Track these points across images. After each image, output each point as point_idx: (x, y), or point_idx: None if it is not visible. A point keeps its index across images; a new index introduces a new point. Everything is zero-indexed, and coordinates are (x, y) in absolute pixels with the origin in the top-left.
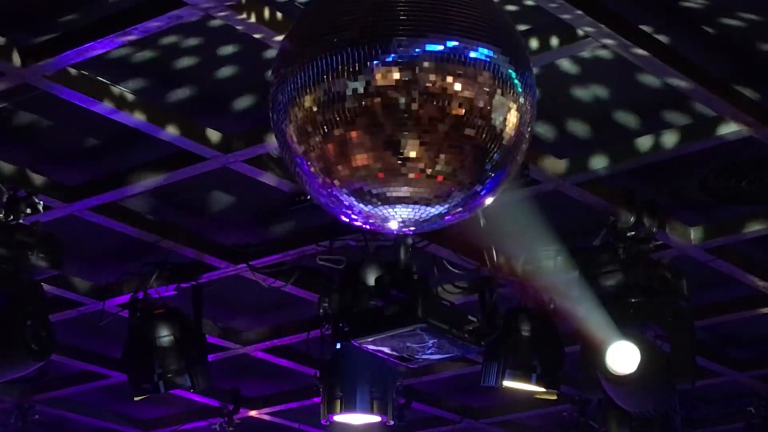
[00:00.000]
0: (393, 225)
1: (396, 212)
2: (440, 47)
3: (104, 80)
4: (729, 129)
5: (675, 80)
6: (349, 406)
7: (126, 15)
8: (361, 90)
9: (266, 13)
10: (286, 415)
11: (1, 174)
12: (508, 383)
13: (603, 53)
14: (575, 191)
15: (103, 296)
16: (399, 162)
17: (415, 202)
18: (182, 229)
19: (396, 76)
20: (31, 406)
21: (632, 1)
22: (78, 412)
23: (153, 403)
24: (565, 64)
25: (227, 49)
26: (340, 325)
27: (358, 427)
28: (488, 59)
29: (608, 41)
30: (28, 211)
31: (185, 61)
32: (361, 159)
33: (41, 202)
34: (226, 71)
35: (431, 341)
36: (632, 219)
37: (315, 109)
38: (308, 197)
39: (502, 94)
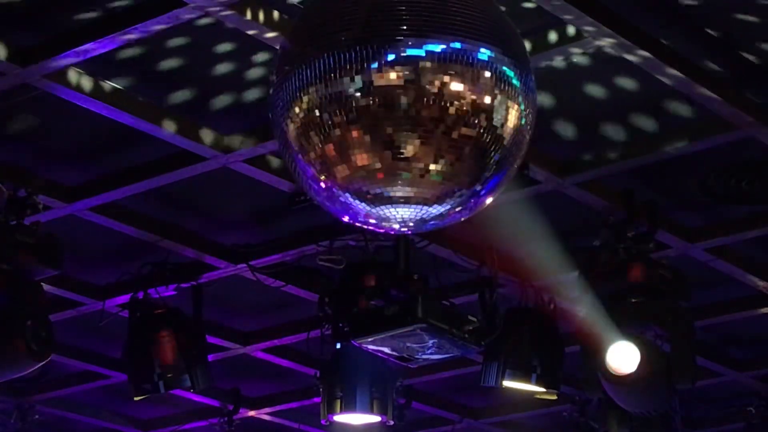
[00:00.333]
0: (393, 225)
1: (396, 212)
2: (440, 47)
3: (104, 80)
4: (729, 129)
5: (675, 80)
6: (349, 406)
7: (126, 15)
8: (361, 90)
9: (266, 12)
10: (286, 415)
11: (1, 174)
12: (508, 383)
13: (603, 53)
14: (575, 191)
15: (103, 296)
16: (399, 162)
17: (415, 202)
18: (182, 229)
19: (396, 76)
20: (31, 406)
21: (632, 1)
22: (78, 412)
23: (153, 403)
24: (566, 64)
25: (227, 49)
26: (340, 325)
27: (358, 427)
28: (488, 59)
29: (607, 41)
30: (28, 211)
31: (185, 61)
32: (361, 159)
33: (41, 202)
34: (226, 71)
35: (431, 341)
36: (632, 219)
37: (315, 109)
38: (308, 197)
39: (503, 94)
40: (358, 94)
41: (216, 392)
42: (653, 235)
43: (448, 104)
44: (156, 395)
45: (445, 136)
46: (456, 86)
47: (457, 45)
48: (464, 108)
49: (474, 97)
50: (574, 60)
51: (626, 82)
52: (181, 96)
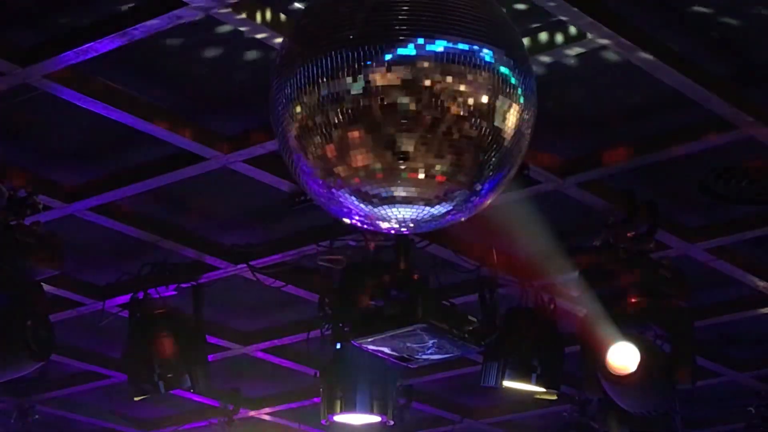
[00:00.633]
0: (393, 225)
1: (396, 212)
2: (440, 47)
3: (104, 80)
4: (729, 129)
5: (675, 80)
6: (349, 406)
7: (126, 15)
8: (361, 90)
9: (266, 13)
10: (286, 415)
11: (1, 174)
12: (508, 383)
13: (603, 53)
14: (575, 191)
15: (103, 296)
16: (399, 162)
17: (415, 202)
18: (182, 229)
19: (396, 76)
20: (31, 406)
21: (632, 2)
22: (78, 412)
23: (153, 403)
24: (566, 64)
25: (227, 49)
26: (340, 325)
27: (358, 427)
28: (488, 59)
29: (608, 41)
30: (28, 211)
31: (185, 61)
32: (361, 159)
33: (41, 202)
34: (226, 71)
35: (431, 341)
36: (632, 219)
37: (315, 109)
38: (308, 197)
39: (502, 95)
40: (359, 94)
41: (216, 392)
42: (653, 235)
43: (448, 104)
44: (156, 395)
45: (445, 136)
46: (456, 86)
47: (457, 45)
48: (464, 108)
49: (474, 97)
50: (575, 60)
51: (626, 82)
52: (181, 96)
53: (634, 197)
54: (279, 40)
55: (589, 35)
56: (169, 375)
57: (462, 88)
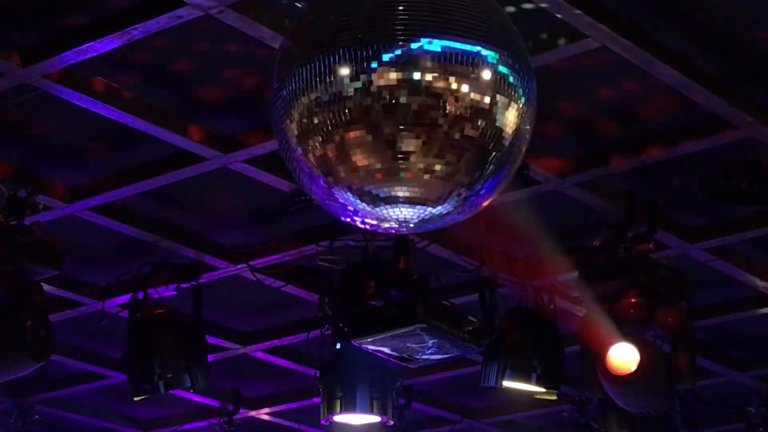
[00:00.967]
0: (393, 225)
1: (396, 212)
2: (440, 48)
3: (104, 80)
4: (729, 129)
5: (675, 80)
6: (349, 406)
7: (126, 15)
8: (361, 90)
9: (266, 13)
10: (286, 415)
11: (1, 174)
12: (508, 383)
13: (603, 53)
14: (575, 191)
15: (103, 296)
16: (399, 162)
17: (416, 202)
18: (182, 229)
19: (396, 76)
20: (31, 406)
21: (632, 2)
22: (78, 412)
23: (153, 403)
24: (566, 64)
25: (227, 49)
26: (340, 325)
27: (358, 427)
28: (489, 59)
29: (608, 41)
30: (28, 211)
31: (185, 61)
32: (361, 159)
33: (41, 202)
34: (226, 71)
35: (431, 341)
36: (632, 219)
37: (315, 109)
38: (308, 197)
39: (503, 94)
40: (359, 94)
41: (216, 392)
42: (653, 235)
43: (448, 104)
44: (156, 395)
45: (445, 136)
46: (456, 87)
47: (458, 45)
48: (464, 108)
49: (474, 97)
50: (575, 60)
51: (626, 82)
52: (181, 96)
53: (634, 197)
54: (279, 39)
55: (589, 35)
56: (169, 375)
57: (462, 88)
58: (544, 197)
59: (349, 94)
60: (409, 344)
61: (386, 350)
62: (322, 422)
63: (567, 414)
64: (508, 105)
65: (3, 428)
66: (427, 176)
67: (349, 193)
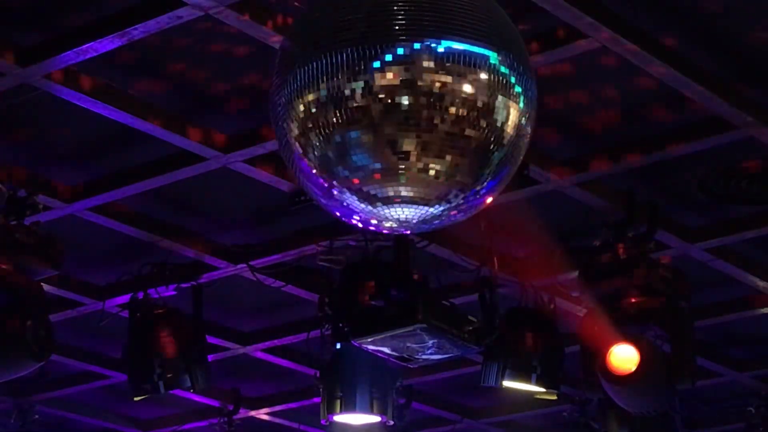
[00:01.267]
0: (393, 225)
1: (396, 212)
2: (440, 48)
3: (104, 80)
4: (729, 129)
5: (675, 80)
6: (349, 406)
7: (126, 15)
8: (361, 90)
9: (266, 12)
10: (286, 415)
11: (1, 174)
12: (508, 383)
13: (603, 53)
14: (575, 191)
15: (103, 296)
16: (399, 162)
17: (416, 202)
18: (182, 229)
19: (396, 76)
20: (31, 406)
21: (632, 2)
22: (78, 412)
23: (153, 403)
24: (566, 64)
25: (227, 49)
26: (340, 325)
27: (358, 427)
28: (488, 59)
29: (608, 41)
30: (28, 211)
31: (186, 61)
32: (360, 159)
33: (41, 203)
34: (225, 71)
35: (431, 341)
36: (632, 219)
37: (315, 109)
38: (308, 197)
39: (503, 95)
40: (359, 94)
41: (216, 392)
42: (653, 235)
43: (448, 104)
44: (156, 395)
45: (445, 136)
46: (456, 87)
47: (458, 45)
48: (464, 108)
49: (474, 97)
50: (575, 60)
51: (626, 82)
52: (181, 96)
53: (634, 197)
54: (279, 39)
55: (589, 35)
56: (169, 375)
57: (462, 88)
58: (544, 197)
59: (350, 94)
60: (409, 344)
61: (386, 350)
62: (322, 422)
63: (567, 414)
64: (508, 105)
65: (3, 428)
66: (427, 176)
67: (349, 193)
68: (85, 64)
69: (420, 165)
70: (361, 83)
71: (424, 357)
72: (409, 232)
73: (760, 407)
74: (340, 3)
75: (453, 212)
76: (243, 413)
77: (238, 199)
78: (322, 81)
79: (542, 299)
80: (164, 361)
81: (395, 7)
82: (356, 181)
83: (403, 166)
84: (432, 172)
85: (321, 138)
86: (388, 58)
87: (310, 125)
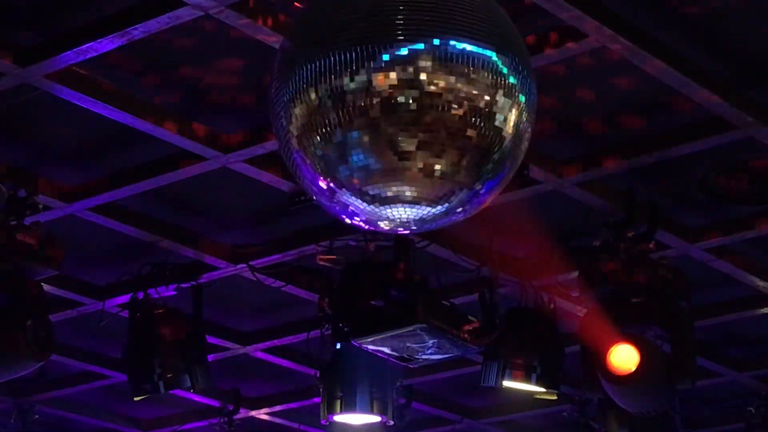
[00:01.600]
0: (393, 225)
1: (396, 212)
2: (440, 47)
3: (104, 80)
4: (729, 129)
5: (675, 80)
6: (349, 406)
7: (126, 15)
8: (360, 90)
9: (266, 12)
10: (286, 415)
11: (1, 174)
12: (508, 383)
13: (603, 53)
14: (575, 191)
15: (103, 296)
16: (399, 162)
17: (416, 203)
18: (182, 229)
19: (396, 76)
20: (31, 406)
21: (633, 2)
22: (78, 412)
23: (153, 403)
24: (567, 64)
25: (228, 49)
26: (340, 325)
27: (358, 427)
28: (488, 59)
29: (608, 41)
30: (28, 211)
31: (185, 61)
32: (361, 159)
33: (41, 203)
34: (226, 71)
35: (431, 341)
36: (632, 219)
37: (314, 109)
38: (308, 197)
39: (503, 94)
40: (359, 94)
41: (216, 392)
42: (653, 235)
43: (448, 104)
44: (156, 395)
45: (445, 136)
46: (456, 86)
47: (458, 45)
48: (464, 108)
49: (474, 97)
50: (575, 60)
51: (626, 83)
52: (180, 96)
53: (634, 197)
54: (279, 39)
55: (590, 35)
56: (169, 375)
57: (462, 87)
58: (544, 197)
59: (350, 94)
60: (409, 344)
61: (386, 350)
62: (322, 422)
63: (567, 414)
64: (509, 105)
65: (3, 428)
66: (427, 176)
67: (349, 193)
68: (85, 64)
69: (420, 165)
70: (361, 83)
71: (424, 357)
72: (409, 232)
73: (760, 407)
74: (340, 3)
75: (453, 212)
76: (243, 413)
77: (238, 199)
78: (322, 81)
79: (542, 299)
80: (164, 361)
81: (395, 7)
82: (356, 181)
83: (403, 166)
84: (432, 172)
85: (321, 138)
86: (388, 58)
87: (310, 125)
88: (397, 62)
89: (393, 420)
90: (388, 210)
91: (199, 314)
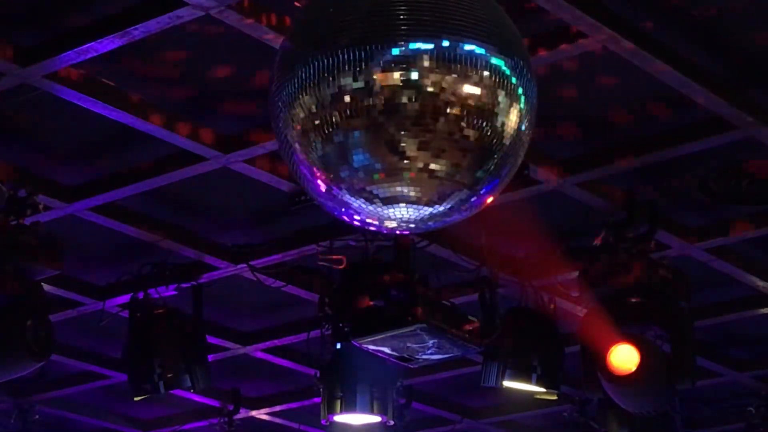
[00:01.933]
0: (393, 225)
1: (396, 212)
2: (441, 47)
3: (104, 80)
4: (729, 129)
5: (675, 80)
6: (349, 406)
7: (126, 15)
8: (361, 90)
9: (267, 13)
10: (286, 415)
11: (1, 174)
12: (508, 383)
13: (603, 53)
14: (575, 191)
15: (103, 296)
16: (399, 162)
17: (416, 202)
18: (182, 229)
19: (396, 76)
20: (31, 406)
21: (633, 2)
22: (78, 412)
23: (153, 403)
24: (566, 64)
25: (228, 49)
26: (340, 325)
27: (358, 427)
28: (489, 60)
29: (608, 41)
30: (28, 211)
31: (185, 61)
32: (361, 159)
33: (41, 202)
34: (226, 71)
35: (431, 341)
36: (632, 219)
37: (315, 109)
38: (308, 197)
39: (503, 95)
40: (359, 94)
41: (216, 392)
42: (653, 235)
43: (448, 104)
44: (156, 395)
45: (446, 136)
46: (456, 86)
47: (458, 45)
48: (465, 108)
49: (475, 97)
50: (575, 60)
51: (626, 82)
52: (181, 96)
53: (634, 197)
54: (279, 39)
55: (590, 35)
56: (169, 375)
57: (463, 87)
58: (544, 197)
59: (350, 95)
60: (409, 344)
61: (386, 350)
62: (322, 422)
63: (567, 414)
64: (509, 105)
65: (3, 428)
66: (427, 176)
67: (349, 194)
68: (85, 64)
69: (420, 165)
70: (362, 83)
71: (424, 357)
72: (409, 232)
73: (760, 407)
74: (340, 3)
75: (453, 212)
76: (243, 413)
77: (238, 199)
78: (323, 81)
79: (542, 299)
80: (164, 361)
81: (395, 7)
82: (356, 181)
83: (404, 167)
84: (432, 172)
85: (321, 138)
86: (389, 57)
87: (311, 125)
88: (397, 62)
89: (393, 420)
90: (389, 210)
91: (199, 314)
